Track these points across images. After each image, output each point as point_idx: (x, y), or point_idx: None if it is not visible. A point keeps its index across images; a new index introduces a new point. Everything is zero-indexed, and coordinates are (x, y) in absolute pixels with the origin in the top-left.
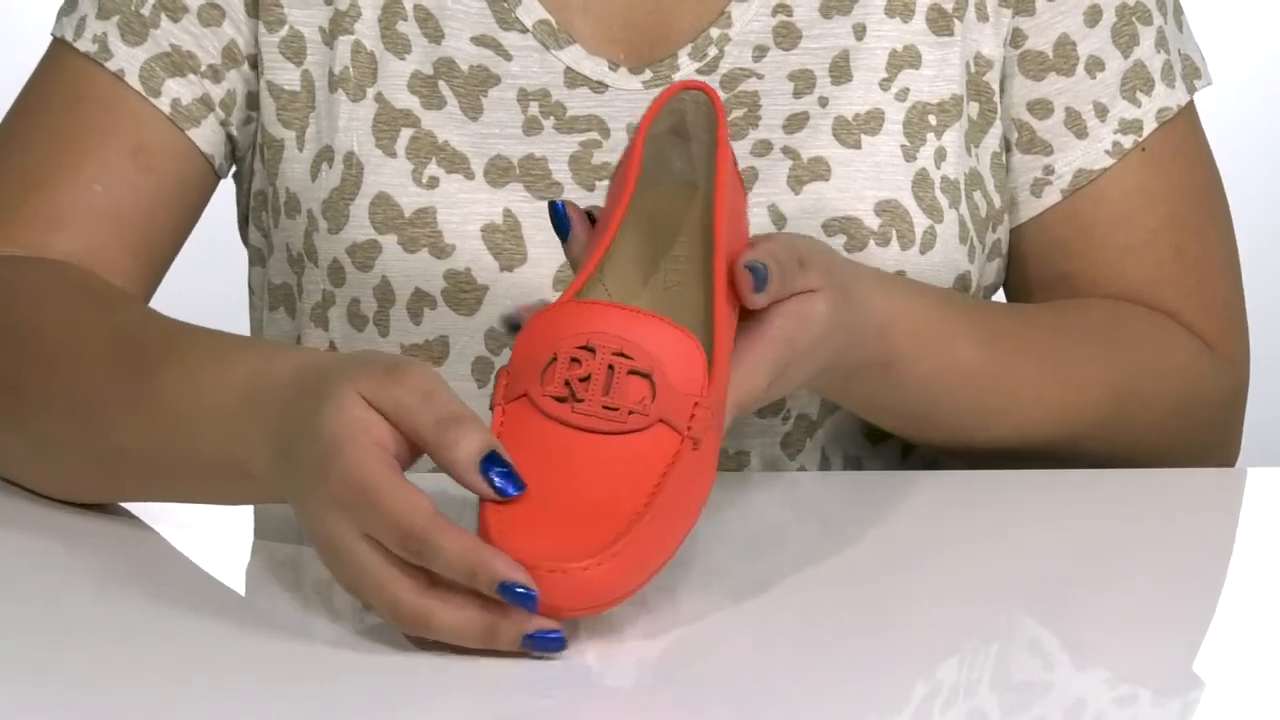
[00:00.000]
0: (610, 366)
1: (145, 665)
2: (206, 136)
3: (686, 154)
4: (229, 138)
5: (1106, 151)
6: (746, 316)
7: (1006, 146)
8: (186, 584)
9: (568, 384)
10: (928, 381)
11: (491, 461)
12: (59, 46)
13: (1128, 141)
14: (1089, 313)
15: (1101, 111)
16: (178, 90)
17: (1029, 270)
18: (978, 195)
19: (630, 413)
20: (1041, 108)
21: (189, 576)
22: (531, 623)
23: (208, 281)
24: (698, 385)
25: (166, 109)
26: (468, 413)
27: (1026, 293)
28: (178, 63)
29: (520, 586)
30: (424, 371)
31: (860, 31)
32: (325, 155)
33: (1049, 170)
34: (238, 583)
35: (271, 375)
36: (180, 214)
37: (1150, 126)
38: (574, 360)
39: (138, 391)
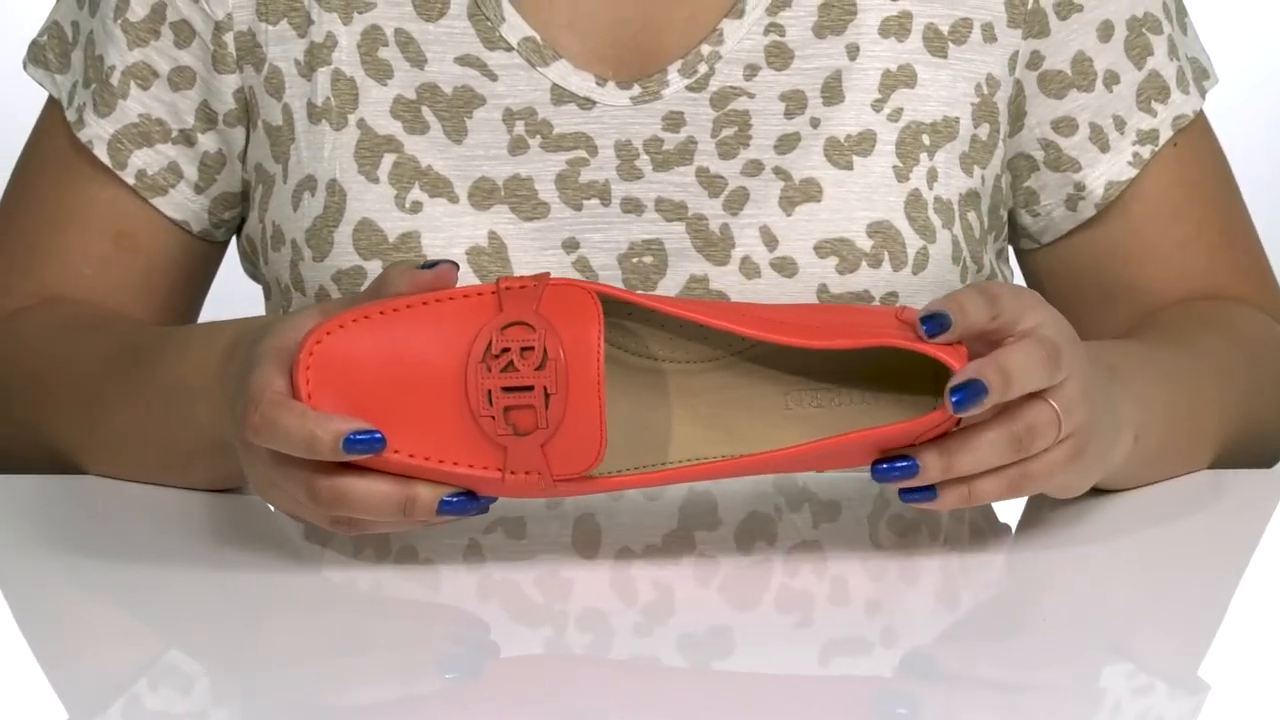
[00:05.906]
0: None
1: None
2: (176, 203)
3: None
4: (221, 197)
5: (1129, 163)
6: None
7: (1022, 166)
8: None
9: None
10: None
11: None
12: (55, 109)
13: (1146, 152)
14: (1214, 337)
15: (1120, 124)
16: (143, 161)
17: (1085, 284)
18: (972, 215)
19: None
20: (1066, 125)
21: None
22: (446, 488)
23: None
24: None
25: (131, 181)
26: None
27: (1083, 306)
28: (145, 132)
29: (362, 433)
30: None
31: (853, 52)
32: (307, 184)
33: (1080, 187)
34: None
35: (237, 348)
36: (186, 274)
37: (1166, 134)
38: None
39: (134, 379)
